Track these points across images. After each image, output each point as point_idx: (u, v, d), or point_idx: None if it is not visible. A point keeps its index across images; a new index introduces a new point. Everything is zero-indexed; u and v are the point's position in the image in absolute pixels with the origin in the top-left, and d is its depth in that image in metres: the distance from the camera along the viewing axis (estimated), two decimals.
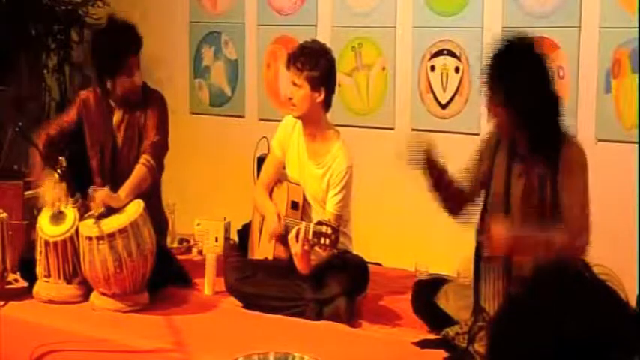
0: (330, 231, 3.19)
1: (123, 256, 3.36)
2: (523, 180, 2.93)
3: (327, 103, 3.56)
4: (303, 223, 3.32)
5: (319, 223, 3.24)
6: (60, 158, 3.69)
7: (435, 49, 4.19)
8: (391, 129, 4.35)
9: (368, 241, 3.90)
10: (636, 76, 3.69)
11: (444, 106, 4.21)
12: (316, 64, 3.49)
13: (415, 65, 4.24)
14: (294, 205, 3.55)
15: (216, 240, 4.35)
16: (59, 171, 3.52)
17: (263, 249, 3.68)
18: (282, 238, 3.47)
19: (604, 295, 1.26)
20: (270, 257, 3.59)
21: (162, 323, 3.31)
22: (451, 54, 4.15)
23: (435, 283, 3.26)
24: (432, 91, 4.23)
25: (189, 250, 4.43)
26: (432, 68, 4.22)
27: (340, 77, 4.33)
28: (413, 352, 3.06)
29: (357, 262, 3.56)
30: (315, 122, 3.57)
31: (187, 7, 4.90)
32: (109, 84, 3.64)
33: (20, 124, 3.55)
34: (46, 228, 3.49)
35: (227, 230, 4.41)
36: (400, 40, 4.28)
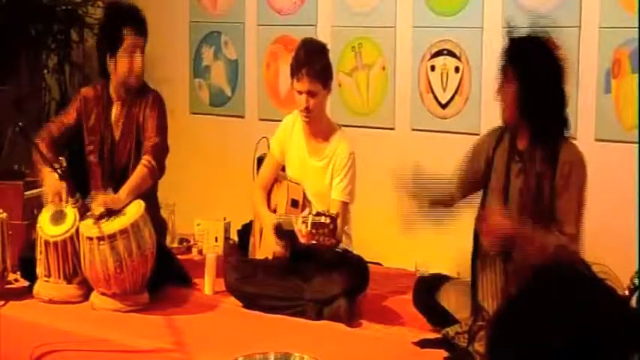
0: (328, 221, 3.17)
1: (123, 257, 3.36)
2: (521, 178, 2.94)
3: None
4: (299, 217, 3.28)
5: (318, 214, 3.20)
6: (60, 158, 3.70)
7: (434, 49, 4.19)
8: (391, 129, 4.35)
9: (368, 241, 3.90)
10: (636, 76, 3.69)
11: (444, 106, 4.21)
12: (324, 65, 3.49)
13: (415, 65, 4.24)
14: (294, 203, 3.55)
15: (216, 240, 4.35)
16: (59, 171, 3.52)
17: (263, 249, 3.68)
18: (284, 235, 3.45)
19: (603, 295, 1.27)
20: (270, 257, 3.59)
21: (162, 323, 3.31)
22: (451, 54, 4.15)
23: (437, 280, 3.26)
24: (432, 90, 4.23)
25: (189, 250, 4.43)
26: (432, 68, 4.22)
27: (340, 77, 4.34)
28: (413, 352, 3.06)
29: (357, 262, 3.56)
30: (320, 119, 3.58)
31: (187, 7, 4.90)
32: (110, 67, 3.63)
33: (20, 123, 3.55)
34: (46, 228, 3.49)
35: (227, 230, 4.41)
36: (400, 39, 4.28)
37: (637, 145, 3.60)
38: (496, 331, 1.29)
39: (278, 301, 3.43)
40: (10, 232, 3.63)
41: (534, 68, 2.87)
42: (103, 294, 3.44)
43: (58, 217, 3.50)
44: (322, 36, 4.27)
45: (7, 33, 4.62)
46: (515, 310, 1.29)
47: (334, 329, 3.28)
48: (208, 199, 4.73)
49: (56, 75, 4.97)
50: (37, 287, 3.54)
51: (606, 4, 3.74)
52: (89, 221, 3.43)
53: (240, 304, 3.53)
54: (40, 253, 3.51)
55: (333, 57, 3.67)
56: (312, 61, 3.46)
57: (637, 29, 3.61)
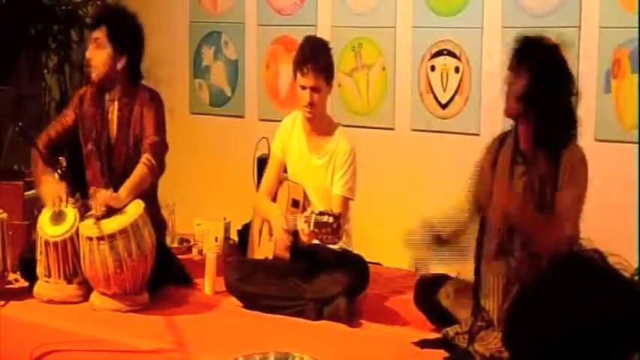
0: (331, 220, 3.17)
1: (123, 257, 3.36)
2: (524, 180, 2.95)
3: None
4: (301, 216, 3.27)
5: (321, 214, 3.20)
6: (60, 158, 3.70)
7: (435, 49, 4.19)
8: (391, 129, 4.35)
9: (368, 240, 3.90)
10: (636, 76, 3.69)
11: (444, 106, 4.21)
12: (328, 61, 3.50)
13: (415, 65, 4.25)
14: (295, 203, 3.55)
15: (216, 240, 4.35)
16: (59, 171, 3.52)
17: (263, 249, 3.68)
18: (291, 235, 3.44)
19: (618, 284, 1.27)
20: (270, 257, 3.59)
21: (162, 323, 3.31)
22: (451, 54, 4.16)
23: (437, 279, 3.27)
24: (432, 91, 4.23)
25: (189, 250, 4.43)
26: (432, 68, 4.22)
27: (340, 77, 4.34)
28: (413, 352, 3.06)
29: (357, 262, 3.56)
30: (321, 116, 3.58)
31: (187, 7, 4.90)
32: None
33: (20, 123, 3.55)
34: (46, 228, 3.49)
35: (227, 230, 4.41)
36: (400, 40, 4.28)
37: (637, 146, 3.60)
38: (512, 317, 1.30)
39: (278, 301, 3.43)
40: (10, 233, 3.63)
41: (546, 66, 2.90)
42: (103, 294, 3.44)
43: (58, 218, 3.50)
44: (322, 36, 4.26)
45: (7, 33, 4.62)
46: (531, 298, 1.29)
47: (334, 329, 3.28)
48: (208, 199, 4.74)
49: (56, 75, 4.97)
50: (37, 287, 3.54)
51: (606, 4, 3.75)
52: (89, 221, 3.43)
53: (240, 304, 3.53)
54: (40, 253, 3.51)
55: (333, 57, 3.67)
56: (318, 57, 3.46)
57: (637, 29, 3.61)
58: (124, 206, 3.48)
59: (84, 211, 3.51)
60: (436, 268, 3.25)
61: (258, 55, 4.70)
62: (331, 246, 3.33)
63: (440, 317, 3.15)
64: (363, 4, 4.37)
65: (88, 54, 3.68)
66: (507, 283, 2.87)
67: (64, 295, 3.50)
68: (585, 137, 3.49)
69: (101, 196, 3.45)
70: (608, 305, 1.24)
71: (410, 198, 4.23)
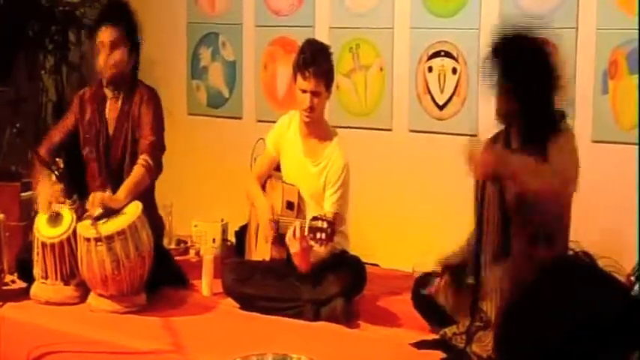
0: (325, 225, 3.18)
1: (121, 258, 3.36)
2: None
3: None
4: (298, 221, 3.31)
5: (314, 219, 3.23)
6: (57, 159, 3.69)
7: (432, 50, 4.19)
8: (389, 130, 4.35)
9: (365, 242, 3.90)
10: (634, 77, 3.70)
11: (441, 107, 4.21)
12: (329, 66, 3.49)
13: (413, 66, 4.25)
14: (290, 205, 3.55)
15: (214, 241, 4.35)
16: (56, 172, 3.52)
17: (260, 250, 3.68)
18: (278, 240, 3.47)
19: (609, 286, 1.28)
20: (268, 258, 3.59)
21: (159, 324, 3.31)
22: (448, 55, 4.16)
23: (432, 277, 3.26)
24: (430, 92, 4.23)
25: (186, 251, 4.43)
26: (430, 69, 4.22)
27: (338, 79, 4.33)
28: (410, 353, 3.06)
29: (354, 263, 3.56)
30: (319, 121, 3.58)
31: (185, 8, 4.90)
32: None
33: (18, 124, 3.55)
34: (42, 229, 3.49)
35: (224, 231, 4.41)
36: (398, 41, 4.28)
37: (637, 146, 3.60)
38: (507, 320, 1.30)
39: (275, 302, 3.43)
40: (7, 234, 3.63)
41: (526, 64, 2.90)
42: (101, 295, 3.44)
43: (55, 219, 3.50)
44: (320, 37, 4.27)
45: (4, 34, 4.62)
46: (526, 301, 1.30)
47: (332, 330, 3.29)
48: (206, 200, 4.73)
49: (53, 76, 4.96)
50: (35, 289, 3.54)
51: (603, 6, 3.75)
52: (87, 222, 3.43)
53: (238, 305, 3.53)
54: (37, 254, 3.50)
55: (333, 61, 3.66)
56: (320, 61, 3.46)
57: (636, 30, 3.61)
58: (122, 207, 3.48)
59: (81, 213, 3.51)
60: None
61: (256, 56, 4.70)
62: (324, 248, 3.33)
63: (437, 317, 3.15)
64: (361, 5, 4.37)
65: (103, 54, 3.62)
66: (505, 284, 2.86)
67: (61, 297, 3.50)
68: (582, 139, 3.50)
69: (98, 197, 3.45)
70: (601, 307, 1.24)
71: (407, 199, 4.23)
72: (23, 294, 3.57)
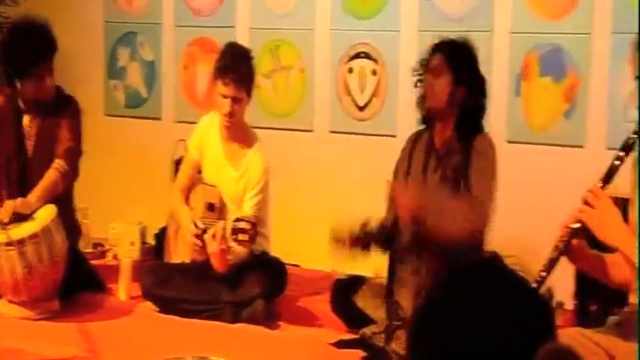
0: (248, 226, 3.16)
1: (33, 263, 3.26)
2: (439, 172, 3.03)
3: None
4: (221, 222, 3.28)
5: (237, 220, 3.20)
6: None
7: (352, 52, 4.22)
8: (310, 131, 4.35)
9: (286, 242, 3.89)
10: (545, 79, 3.80)
11: (361, 108, 4.24)
12: (250, 71, 3.46)
13: (333, 67, 4.26)
14: (210, 207, 3.52)
15: (132, 244, 4.26)
16: None
17: (180, 253, 3.63)
18: (200, 240, 3.42)
19: (518, 290, 1.30)
20: (187, 260, 3.54)
21: (75, 330, 3.23)
22: (368, 57, 4.19)
23: (354, 282, 3.28)
24: (350, 93, 4.26)
25: (103, 254, 4.33)
26: (350, 70, 4.25)
27: (258, 79, 4.31)
28: (330, 353, 3.07)
29: (275, 264, 3.55)
30: (240, 125, 3.55)
31: (101, 7, 4.79)
32: (18, 85, 3.52)
33: None
34: None
35: (143, 234, 4.32)
36: (318, 42, 4.29)
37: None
38: (415, 330, 1.31)
39: (195, 305, 3.39)
40: None
41: (467, 63, 3.08)
42: (11, 302, 3.33)
43: None
44: (240, 38, 4.24)
45: None
46: (432, 308, 1.30)
47: (252, 331, 3.27)
48: (124, 202, 4.64)
49: None
50: None
51: (517, 11, 3.85)
52: None
53: (156, 308, 3.47)
54: None
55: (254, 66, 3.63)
56: (240, 67, 3.43)
57: (549, 34, 3.73)
58: (35, 211, 3.38)
59: None
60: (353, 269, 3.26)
61: (176, 57, 4.64)
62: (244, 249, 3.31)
63: (357, 319, 3.16)
64: (282, 6, 4.37)
65: (46, 84, 3.47)
66: (420, 281, 2.90)
67: None
68: (497, 139, 3.58)
69: (9, 204, 3.35)
70: (510, 306, 1.27)
71: (329, 200, 4.25)
72: None
